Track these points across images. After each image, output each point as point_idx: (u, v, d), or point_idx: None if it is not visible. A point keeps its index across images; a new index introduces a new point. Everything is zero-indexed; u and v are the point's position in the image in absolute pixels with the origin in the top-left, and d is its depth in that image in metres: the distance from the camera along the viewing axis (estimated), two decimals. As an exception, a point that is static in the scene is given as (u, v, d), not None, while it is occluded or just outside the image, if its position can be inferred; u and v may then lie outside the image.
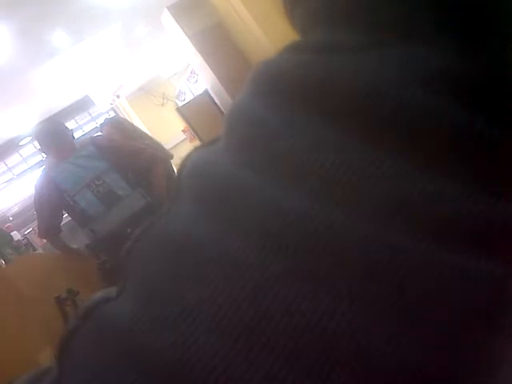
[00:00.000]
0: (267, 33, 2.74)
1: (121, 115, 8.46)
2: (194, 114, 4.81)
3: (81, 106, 8.17)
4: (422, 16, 0.18)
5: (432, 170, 0.17)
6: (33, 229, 6.55)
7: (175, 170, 3.32)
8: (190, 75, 6.29)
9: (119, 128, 3.57)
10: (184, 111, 5.13)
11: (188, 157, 0.22)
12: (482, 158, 0.17)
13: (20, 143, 8.04)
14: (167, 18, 3.49)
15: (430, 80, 0.18)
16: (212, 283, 0.17)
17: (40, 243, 5.65)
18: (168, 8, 3.43)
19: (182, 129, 6.54)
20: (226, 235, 0.18)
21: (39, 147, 3.00)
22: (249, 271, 0.17)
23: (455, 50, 0.18)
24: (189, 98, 6.09)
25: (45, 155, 3.40)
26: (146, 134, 3.89)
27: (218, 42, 3.31)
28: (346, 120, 0.18)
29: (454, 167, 0.17)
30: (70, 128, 3.00)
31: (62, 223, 3.06)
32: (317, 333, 0.16)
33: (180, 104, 6.28)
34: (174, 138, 7.06)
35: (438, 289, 0.16)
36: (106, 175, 2.86)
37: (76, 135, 3.18)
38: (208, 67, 3.38)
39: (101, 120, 7.40)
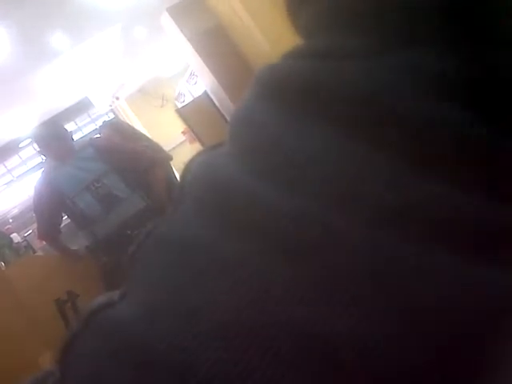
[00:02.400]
0: (266, 35, 2.74)
1: (120, 117, 8.47)
2: (194, 115, 4.80)
3: (80, 108, 8.17)
4: (422, 20, 0.18)
5: (432, 172, 0.17)
6: (32, 231, 6.54)
7: (175, 172, 3.32)
8: (190, 77, 6.29)
9: (118, 130, 3.56)
10: (183, 113, 5.12)
11: (191, 161, 0.23)
12: (481, 159, 0.17)
13: (20, 145, 8.04)
14: (167, 20, 3.49)
15: (431, 83, 0.18)
16: (215, 287, 0.17)
17: (40, 245, 5.65)
18: (167, 9, 3.43)
19: (182, 130, 6.54)
20: (229, 239, 0.18)
21: (39, 149, 3.00)
22: (252, 275, 0.17)
23: (455, 53, 0.18)
24: (188, 99, 6.08)
25: (44, 157, 3.40)
26: (145, 136, 3.88)
27: (218, 44, 3.31)
28: (347, 124, 0.18)
29: (454, 169, 0.17)
30: (69, 130, 3.00)
31: (62, 225, 3.06)
32: (319, 336, 0.16)
33: (179, 105, 6.28)
34: (173, 139, 7.05)
35: (439, 291, 0.16)
36: (106, 177, 2.86)
37: (75, 137, 3.18)
38: (207, 69, 3.38)
39: (100, 122, 7.40)
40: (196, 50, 3.37)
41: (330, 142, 0.18)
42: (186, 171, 0.22)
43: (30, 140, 7.45)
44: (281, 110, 0.20)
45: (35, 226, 3.60)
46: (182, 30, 3.39)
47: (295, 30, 0.23)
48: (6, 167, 8.44)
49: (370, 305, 0.16)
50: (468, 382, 0.17)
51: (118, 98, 8.17)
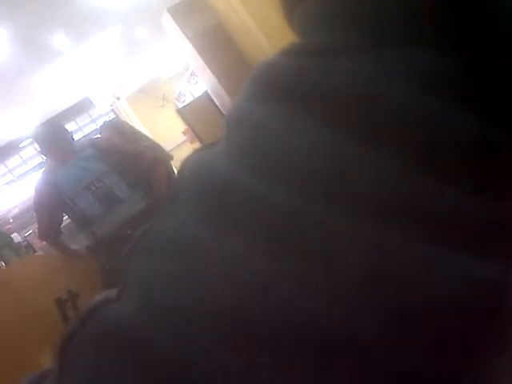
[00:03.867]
0: (267, 35, 2.74)
1: (121, 117, 8.47)
2: (195, 115, 4.80)
3: (81, 108, 8.18)
4: (422, 18, 0.18)
5: (431, 171, 0.17)
6: (33, 231, 6.56)
7: (175, 172, 3.31)
8: (190, 77, 6.30)
9: (119, 130, 3.56)
10: (184, 113, 5.13)
11: (188, 159, 0.23)
12: (481, 159, 0.17)
13: (20, 145, 8.05)
14: (167, 20, 3.48)
15: (430, 82, 0.18)
16: (213, 284, 0.17)
17: (40, 245, 5.65)
18: (168, 9, 3.43)
19: (183, 130, 6.54)
20: (226, 236, 0.18)
21: (39, 149, 3.00)
22: (249, 272, 0.17)
23: (455, 52, 0.18)
24: (189, 99, 6.09)
25: (45, 157, 3.40)
26: (146, 136, 3.88)
27: (218, 44, 3.31)
28: (344, 122, 0.18)
29: (454, 168, 0.17)
30: (69, 130, 3.00)
31: (62, 225, 3.06)
32: (316, 334, 0.16)
33: (180, 105, 6.29)
34: (174, 139, 7.05)
35: (438, 290, 0.16)
36: (106, 177, 2.86)
37: (76, 137, 3.18)
38: (208, 69, 3.37)
39: (101, 122, 7.41)
40: (196, 50, 3.37)
41: (327, 139, 0.18)
42: (184, 168, 0.22)
43: (30, 140, 7.46)
44: (276, 108, 0.20)
45: (35, 225, 3.60)
46: (182, 30, 3.39)
47: (291, 28, 0.23)
48: (6, 167, 8.45)
49: (370, 304, 0.16)
50: (467, 380, 0.17)
51: (118, 98, 8.19)
